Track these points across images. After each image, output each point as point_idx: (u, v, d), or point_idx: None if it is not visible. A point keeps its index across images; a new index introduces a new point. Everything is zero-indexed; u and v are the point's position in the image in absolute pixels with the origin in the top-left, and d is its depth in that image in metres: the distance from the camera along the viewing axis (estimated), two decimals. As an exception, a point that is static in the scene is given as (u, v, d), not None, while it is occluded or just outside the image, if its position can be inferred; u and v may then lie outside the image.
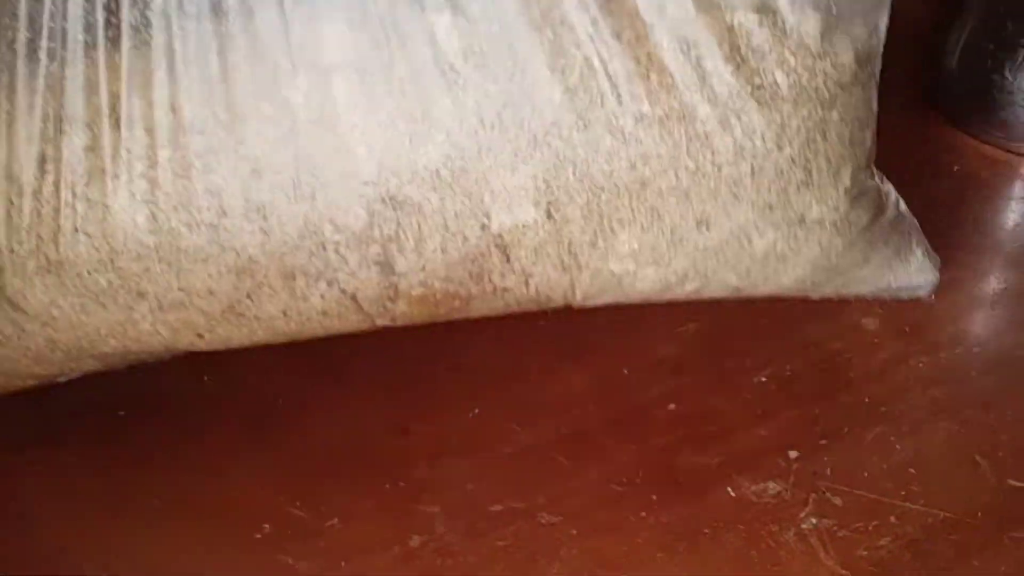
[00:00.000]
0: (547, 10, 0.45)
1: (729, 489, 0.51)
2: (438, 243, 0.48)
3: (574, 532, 0.49)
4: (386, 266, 0.48)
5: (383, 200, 0.46)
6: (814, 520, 0.49)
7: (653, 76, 0.47)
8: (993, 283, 0.63)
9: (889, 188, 0.57)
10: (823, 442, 0.53)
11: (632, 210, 0.49)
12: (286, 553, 0.48)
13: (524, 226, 0.48)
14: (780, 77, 0.48)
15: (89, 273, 0.46)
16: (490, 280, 0.50)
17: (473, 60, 0.45)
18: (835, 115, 0.50)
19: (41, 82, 0.44)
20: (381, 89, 0.45)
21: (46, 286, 0.46)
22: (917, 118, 0.77)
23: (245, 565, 0.48)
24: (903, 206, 0.57)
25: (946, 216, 0.69)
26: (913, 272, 0.58)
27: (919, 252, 0.58)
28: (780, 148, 0.50)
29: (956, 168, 0.72)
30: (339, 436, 0.54)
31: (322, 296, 0.48)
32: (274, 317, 0.49)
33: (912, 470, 0.51)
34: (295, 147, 0.45)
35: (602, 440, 0.53)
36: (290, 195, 0.46)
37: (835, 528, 0.48)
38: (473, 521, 0.50)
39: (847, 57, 0.50)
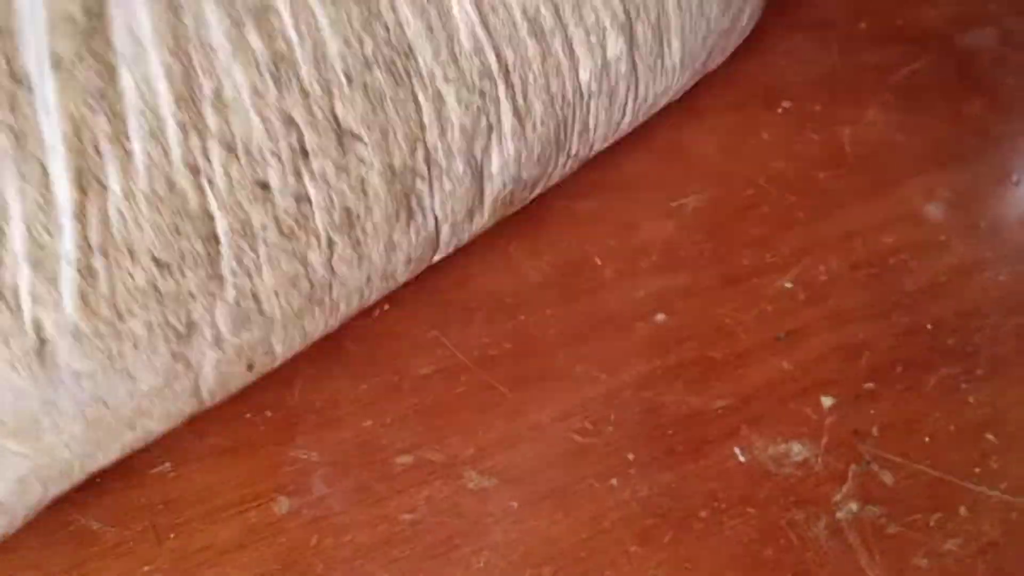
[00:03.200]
0: None
1: (737, 451, 0.36)
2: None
3: (514, 504, 0.34)
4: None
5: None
6: (854, 506, 0.34)
7: None
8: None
9: None
10: (869, 385, 0.38)
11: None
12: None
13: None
14: None
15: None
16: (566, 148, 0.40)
17: None
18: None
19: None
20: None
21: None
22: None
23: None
24: None
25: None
26: None
27: None
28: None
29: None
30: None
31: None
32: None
33: (990, 436, 0.37)
34: None
35: (561, 363, 0.38)
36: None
37: (883, 520, 0.34)
38: (368, 479, 0.34)
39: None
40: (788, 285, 0.41)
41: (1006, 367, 0.38)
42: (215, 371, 0.32)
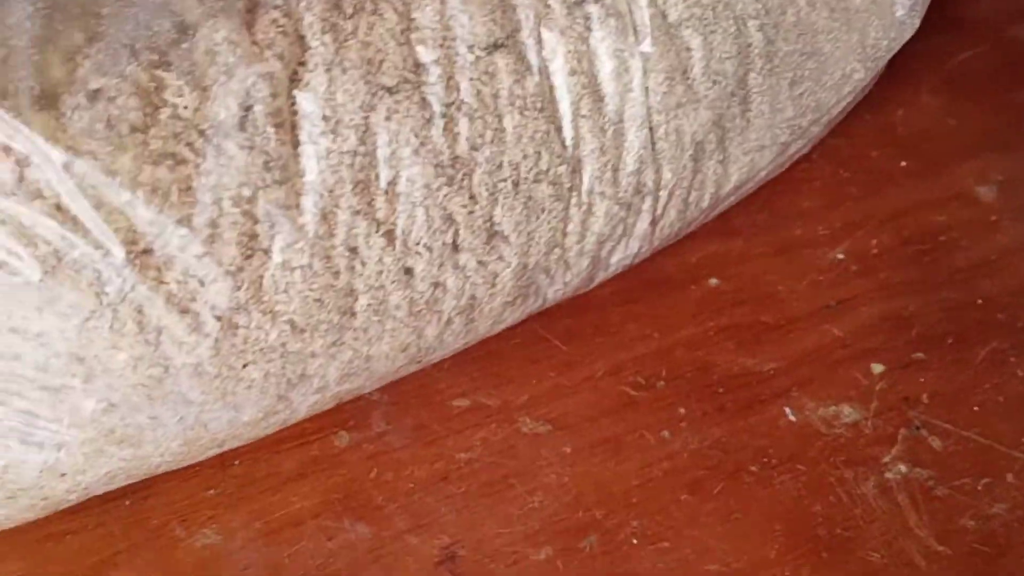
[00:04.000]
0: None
1: (787, 410, 0.36)
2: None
3: (567, 449, 0.35)
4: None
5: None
6: (903, 468, 0.35)
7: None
8: None
9: None
10: (919, 355, 0.38)
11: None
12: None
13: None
14: None
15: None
16: None
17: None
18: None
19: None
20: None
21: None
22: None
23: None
24: None
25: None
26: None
27: None
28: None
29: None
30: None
31: None
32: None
33: (1038, 407, 0.37)
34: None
35: (615, 320, 0.39)
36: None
37: (931, 483, 0.35)
38: (426, 419, 0.35)
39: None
40: (840, 256, 0.41)
41: (1055, 343, 0.39)
42: (309, 409, 0.33)
